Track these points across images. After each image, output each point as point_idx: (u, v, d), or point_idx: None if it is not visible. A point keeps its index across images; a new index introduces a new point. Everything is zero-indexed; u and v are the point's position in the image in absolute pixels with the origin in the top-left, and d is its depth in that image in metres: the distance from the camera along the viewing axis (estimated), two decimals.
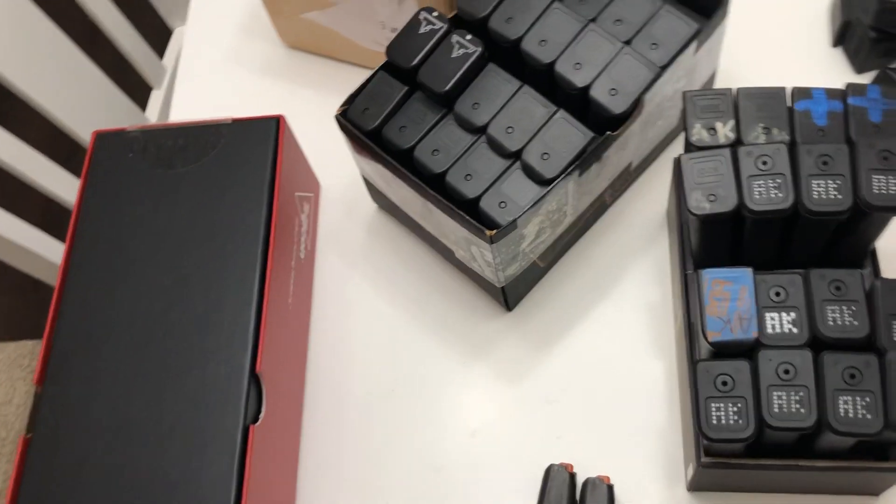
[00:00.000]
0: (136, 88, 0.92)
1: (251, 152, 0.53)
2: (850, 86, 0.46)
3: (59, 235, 0.79)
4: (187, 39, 0.72)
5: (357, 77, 0.53)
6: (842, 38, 0.61)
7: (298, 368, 0.55)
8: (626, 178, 0.57)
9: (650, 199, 0.58)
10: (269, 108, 0.58)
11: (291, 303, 0.54)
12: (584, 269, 0.57)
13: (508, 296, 0.54)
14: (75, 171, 0.78)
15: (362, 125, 0.52)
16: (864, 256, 0.49)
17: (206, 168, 0.53)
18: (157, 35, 0.98)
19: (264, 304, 0.49)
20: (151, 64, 0.92)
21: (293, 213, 0.56)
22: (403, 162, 0.50)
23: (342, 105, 0.52)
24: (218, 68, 0.70)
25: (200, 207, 0.52)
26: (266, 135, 0.54)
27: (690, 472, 0.47)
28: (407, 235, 0.60)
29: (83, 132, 0.79)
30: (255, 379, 0.47)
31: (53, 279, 0.78)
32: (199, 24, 0.73)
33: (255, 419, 0.46)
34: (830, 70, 0.61)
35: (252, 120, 0.55)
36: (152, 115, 0.91)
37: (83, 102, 0.80)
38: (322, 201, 0.62)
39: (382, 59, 0.53)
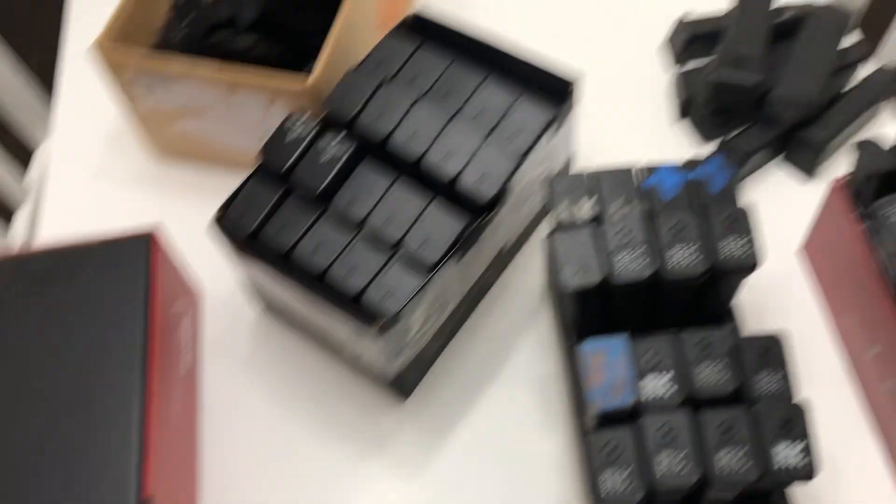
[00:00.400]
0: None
1: (123, 271, 0.52)
2: (690, 161, 0.50)
3: None
4: (53, 155, 0.71)
5: (234, 181, 0.54)
6: (686, 111, 0.66)
7: (190, 487, 0.53)
8: (504, 259, 0.59)
9: (528, 276, 0.60)
10: (144, 220, 0.58)
11: (177, 420, 0.52)
12: (473, 350, 0.58)
13: (401, 386, 0.54)
14: None
15: (240, 230, 0.52)
16: (726, 312, 0.52)
17: (77, 292, 0.52)
18: (17, 153, 0.95)
19: (148, 425, 0.47)
20: (11, 186, 0.89)
21: (173, 327, 0.55)
22: (284, 263, 0.50)
23: (218, 211, 0.52)
24: (88, 184, 0.68)
25: (73, 333, 0.50)
26: (138, 251, 0.53)
27: None
28: (296, 336, 0.59)
29: None
30: None
31: None
32: (64, 139, 0.71)
33: None
34: (679, 142, 0.66)
35: (121, 239, 0.54)
36: (18, 235, 0.87)
37: None
38: (205, 309, 0.61)
39: (258, 162, 0.53)
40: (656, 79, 0.70)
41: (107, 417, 0.47)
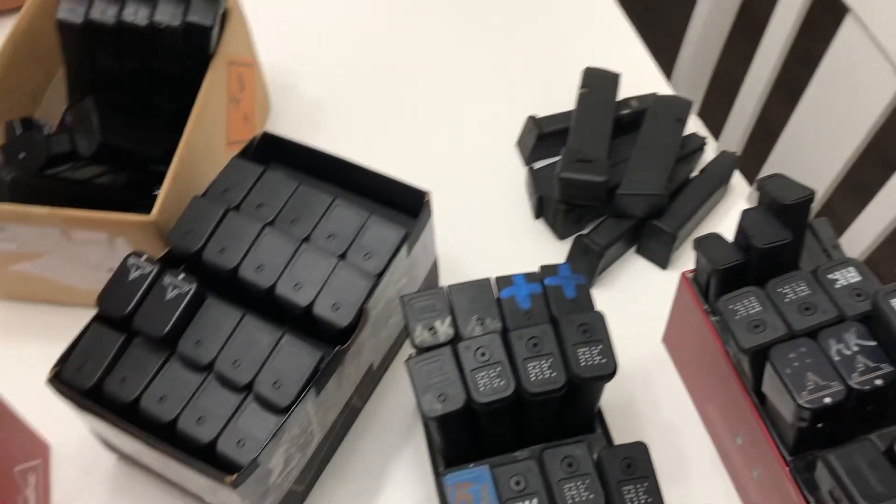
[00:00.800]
0: None
1: None
2: (543, 268, 0.50)
3: None
4: None
5: (81, 319, 0.50)
6: (540, 210, 0.67)
7: None
8: (372, 379, 0.57)
9: (399, 395, 0.59)
10: None
11: None
12: (347, 482, 0.55)
13: None
14: None
15: (79, 384, 0.48)
16: (595, 415, 0.52)
17: None
18: None
19: None
20: None
21: (20, 489, 0.50)
22: (131, 414, 0.47)
23: (54, 366, 0.49)
24: None
25: None
26: None
27: None
28: (155, 485, 0.55)
29: None
30: None
31: None
32: None
33: None
34: (538, 239, 0.67)
35: None
36: None
37: None
38: (54, 463, 0.57)
39: (97, 310, 0.50)
40: (513, 180, 0.71)
41: None
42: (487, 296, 0.49)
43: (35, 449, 0.55)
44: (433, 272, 0.62)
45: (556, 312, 0.48)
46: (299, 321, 0.50)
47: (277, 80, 0.78)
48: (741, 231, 0.50)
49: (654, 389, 0.59)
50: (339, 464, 0.56)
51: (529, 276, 0.50)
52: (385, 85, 0.78)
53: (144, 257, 0.51)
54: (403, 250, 0.53)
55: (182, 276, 0.50)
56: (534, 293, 0.49)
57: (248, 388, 0.48)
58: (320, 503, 0.54)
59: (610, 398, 0.55)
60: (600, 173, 0.62)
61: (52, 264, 0.59)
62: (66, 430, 0.57)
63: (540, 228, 0.68)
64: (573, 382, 0.45)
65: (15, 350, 0.61)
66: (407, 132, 0.75)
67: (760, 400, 0.48)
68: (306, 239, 0.53)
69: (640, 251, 0.65)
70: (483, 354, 0.46)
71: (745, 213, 0.51)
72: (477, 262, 0.65)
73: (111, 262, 0.57)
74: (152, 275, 0.50)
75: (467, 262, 0.65)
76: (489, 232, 0.67)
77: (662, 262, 0.64)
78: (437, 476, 0.49)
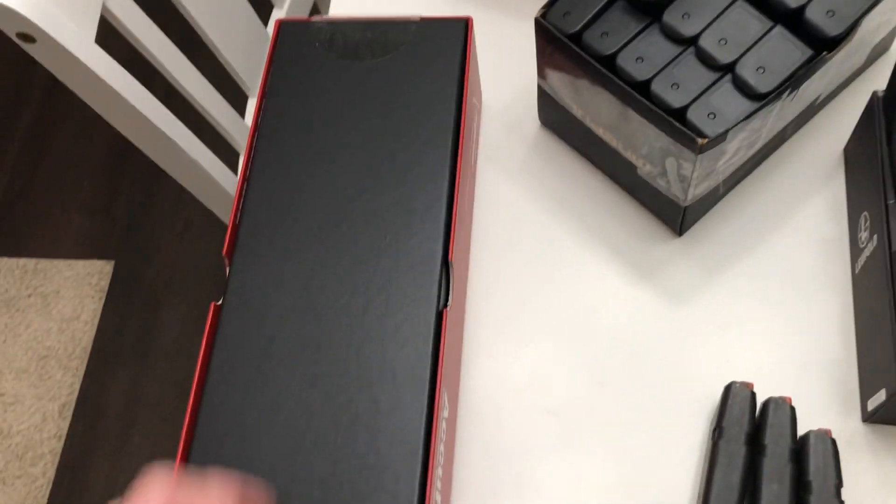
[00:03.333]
0: None
1: (441, 51, 0.53)
2: None
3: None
4: None
5: None
6: None
7: (466, 265, 0.55)
8: (809, 112, 0.56)
9: (828, 136, 0.57)
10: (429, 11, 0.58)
11: (466, 203, 0.54)
12: (757, 199, 0.56)
13: (686, 218, 0.54)
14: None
15: (562, 29, 0.51)
16: None
17: (395, 63, 0.53)
18: None
19: (455, 195, 0.49)
20: None
21: (472, 117, 0.56)
22: (606, 67, 0.49)
23: (542, 8, 0.52)
24: None
25: (390, 100, 0.52)
26: (456, 35, 0.54)
27: (874, 403, 0.47)
28: (573, 154, 0.59)
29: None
30: (446, 266, 0.47)
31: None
32: None
33: (446, 304, 0.46)
34: None
35: (441, 19, 0.54)
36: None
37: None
38: (484, 115, 0.62)
39: None
40: None
41: (420, 181, 0.49)
42: None
43: (480, 91, 0.60)
44: None
45: None
46: (783, 22, 0.49)
47: None
48: None
49: None
50: (756, 180, 0.56)
51: None
52: None
53: None
54: None
55: None
56: None
57: (727, 68, 0.48)
58: (732, 207, 0.56)
59: None
60: None
61: None
62: (497, 88, 0.62)
63: None
64: None
65: (460, 4, 0.66)
66: None
67: None
68: None
69: None
70: None
71: None
72: None
73: None
74: None
75: None
76: None
77: None
78: (888, 206, 0.48)
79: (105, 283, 1.43)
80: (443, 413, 0.45)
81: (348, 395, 0.43)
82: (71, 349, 1.37)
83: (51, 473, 1.28)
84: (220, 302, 0.47)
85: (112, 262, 1.45)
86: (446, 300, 0.46)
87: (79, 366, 1.36)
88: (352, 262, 0.47)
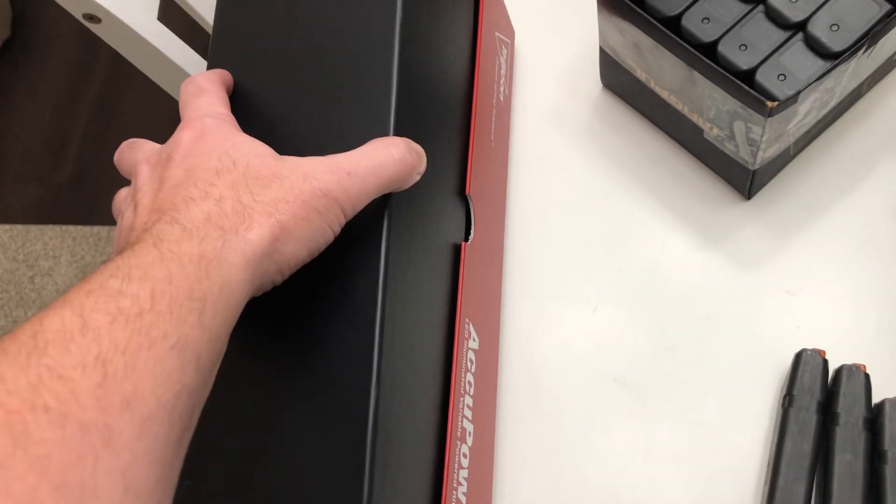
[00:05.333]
0: None
1: None
2: None
3: None
4: None
5: None
6: None
7: (500, 203, 0.55)
8: (886, 67, 0.54)
9: None
10: None
11: (493, 140, 0.53)
12: (829, 160, 0.54)
13: (755, 181, 0.52)
14: None
15: None
16: None
17: None
18: None
19: (471, 132, 0.48)
20: None
21: (494, 52, 0.54)
22: (671, 28, 0.48)
23: None
24: None
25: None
26: None
27: None
28: (636, 117, 0.58)
29: None
30: (464, 200, 0.47)
31: None
32: None
33: (466, 238, 0.46)
34: None
35: None
36: None
37: None
38: (544, 77, 0.61)
39: None
40: None
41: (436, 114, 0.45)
42: None
43: (508, 28, 0.59)
44: None
45: None
46: None
47: None
48: None
49: None
50: (828, 141, 0.55)
51: None
52: None
53: None
54: None
55: None
56: None
57: (798, 26, 0.46)
58: (802, 170, 0.54)
59: None
60: None
61: None
62: (558, 47, 0.61)
63: None
64: None
65: None
66: None
67: None
68: None
69: None
70: None
71: None
72: None
73: None
74: None
75: None
76: None
77: None
78: None
79: None
80: (467, 343, 0.44)
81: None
82: None
83: None
84: None
85: None
86: (466, 235, 0.46)
87: None
88: None
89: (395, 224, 0.40)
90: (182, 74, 0.67)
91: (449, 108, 0.47)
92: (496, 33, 0.55)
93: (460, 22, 0.50)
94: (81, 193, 1.55)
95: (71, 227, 1.51)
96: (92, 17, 0.60)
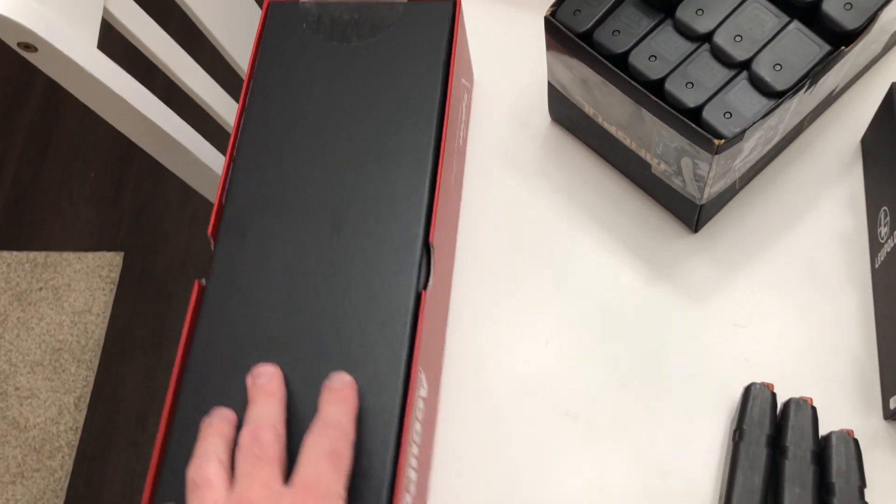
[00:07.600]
0: None
1: (428, 32, 0.53)
2: None
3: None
4: None
5: None
6: None
7: (451, 245, 0.55)
8: (825, 104, 0.55)
9: (845, 127, 0.56)
10: None
11: (453, 183, 0.54)
12: (773, 194, 0.55)
13: (701, 216, 0.53)
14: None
15: (573, 27, 0.50)
16: None
17: (382, 44, 0.53)
18: None
19: (438, 177, 0.49)
20: None
21: (459, 98, 0.55)
22: (618, 67, 0.49)
23: (552, 6, 0.50)
24: None
25: (375, 81, 0.51)
26: (443, 16, 0.53)
27: None
28: (584, 151, 0.58)
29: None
30: (426, 247, 0.47)
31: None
32: None
33: (426, 286, 0.46)
34: None
35: (429, 1, 0.53)
36: None
37: None
38: (492, 109, 0.61)
39: None
40: None
41: (403, 162, 0.49)
42: None
43: (470, 73, 0.60)
44: None
45: None
46: (798, 16, 0.48)
47: None
48: None
49: None
50: (772, 176, 0.56)
51: None
52: None
53: None
54: None
55: None
56: None
57: (743, 65, 0.47)
58: (747, 203, 0.55)
59: None
60: None
61: None
62: (507, 81, 0.61)
63: None
64: None
65: None
66: None
67: None
68: None
69: None
70: None
71: None
72: None
73: None
74: None
75: None
76: None
77: None
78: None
79: (115, 275, 1.43)
80: (419, 392, 0.45)
81: (327, 374, 0.43)
82: (84, 342, 1.38)
83: (69, 466, 1.29)
84: (203, 281, 0.47)
85: (121, 254, 1.45)
86: (426, 282, 0.46)
87: (92, 358, 1.37)
88: (334, 244, 0.47)
89: (361, 275, 0.45)
90: (121, 103, 0.65)
91: (420, 155, 0.49)
92: (462, 80, 0.55)
93: (430, 74, 0.51)
94: (17, 219, 1.49)
95: (5, 253, 1.45)
96: (28, 46, 0.58)
